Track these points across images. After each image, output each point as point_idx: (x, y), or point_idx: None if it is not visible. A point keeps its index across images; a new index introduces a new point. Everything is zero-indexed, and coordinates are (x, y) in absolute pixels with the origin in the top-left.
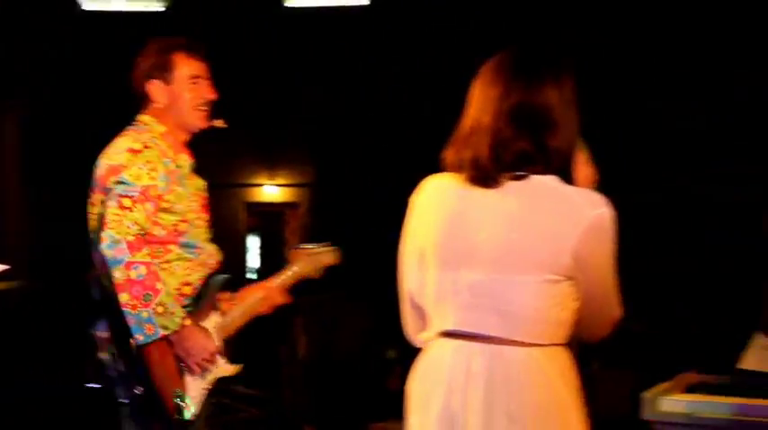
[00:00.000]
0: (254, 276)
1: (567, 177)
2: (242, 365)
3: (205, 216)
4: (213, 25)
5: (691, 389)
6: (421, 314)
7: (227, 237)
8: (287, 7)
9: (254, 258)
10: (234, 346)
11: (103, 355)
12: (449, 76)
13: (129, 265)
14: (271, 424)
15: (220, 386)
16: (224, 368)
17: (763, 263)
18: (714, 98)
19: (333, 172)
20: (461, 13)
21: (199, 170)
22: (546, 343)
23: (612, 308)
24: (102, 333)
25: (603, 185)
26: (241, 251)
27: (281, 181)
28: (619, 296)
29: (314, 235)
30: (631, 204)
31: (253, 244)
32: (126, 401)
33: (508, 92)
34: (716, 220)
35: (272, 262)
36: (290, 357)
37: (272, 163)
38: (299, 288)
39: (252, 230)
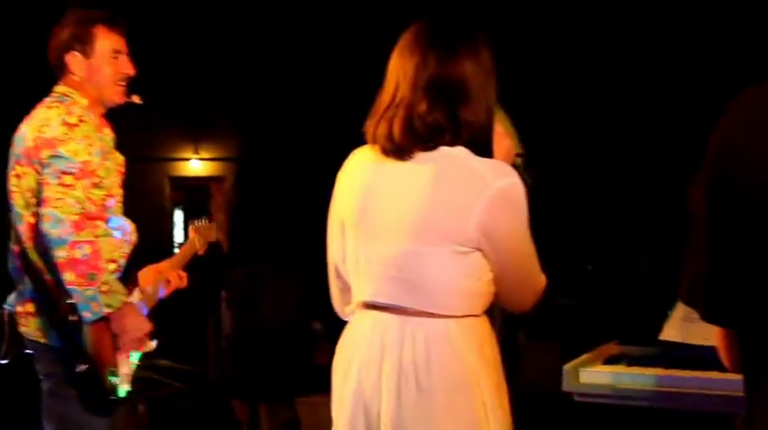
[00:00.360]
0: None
1: (482, 149)
2: (161, 340)
3: (121, 192)
4: None
5: (611, 361)
6: (346, 286)
7: (152, 211)
8: None
9: (179, 233)
10: (159, 321)
11: (25, 330)
12: (375, 49)
13: (73, 245)
14: (197, 398)
15: (146, 361)
16: (147, 344)
17: (683, 234)
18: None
19: (258, 146)
20: None
21: (123, 144)
22: (460, 314)
23: (533, 278)
24: (22, 307)
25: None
26: (168, 226)
27: (206, 155)
28: (538, 266)
29: (240, 209)
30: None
31: (179, 218)
32: (42, 378)
33: (424, 64)
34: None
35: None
36: (216, 331)
37: (197, 137)
38: (225, 261)
39: (177, 205)
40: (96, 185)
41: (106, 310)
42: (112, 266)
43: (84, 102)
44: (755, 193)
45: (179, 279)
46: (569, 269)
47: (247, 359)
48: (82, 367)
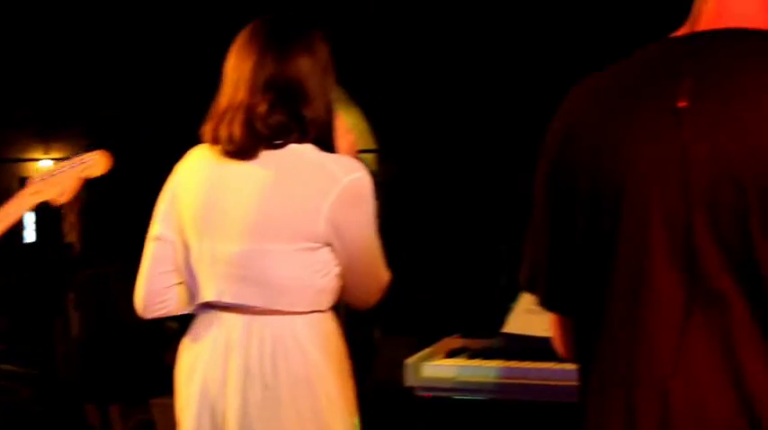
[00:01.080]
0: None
1: (327, 146)
2: (4, 345)
3: None
4: None
5: (453, 354)
6: (177, 286)
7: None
8: None
9: (31, 234)
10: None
11: None
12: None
13: None
14: (48, 403)
15: None
16: None
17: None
18: None
19: (108, 145)
20: None
21: None
22: (306, 310)
23: (378, 273)
24: None
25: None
26: (17, 226)
27: (57, 155)
28: (383, 261)
29: (91, 209)
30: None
31: (30, 220)
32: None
33: (261, 65)
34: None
35: (50, 236)
36: (63, 334)
37: (47, 138)
38: (74, 262)
39: None
40: None
41: None
42: None
43: None
44: (592, 180)
45: None
46: (425, 263)
47: (97, 361)
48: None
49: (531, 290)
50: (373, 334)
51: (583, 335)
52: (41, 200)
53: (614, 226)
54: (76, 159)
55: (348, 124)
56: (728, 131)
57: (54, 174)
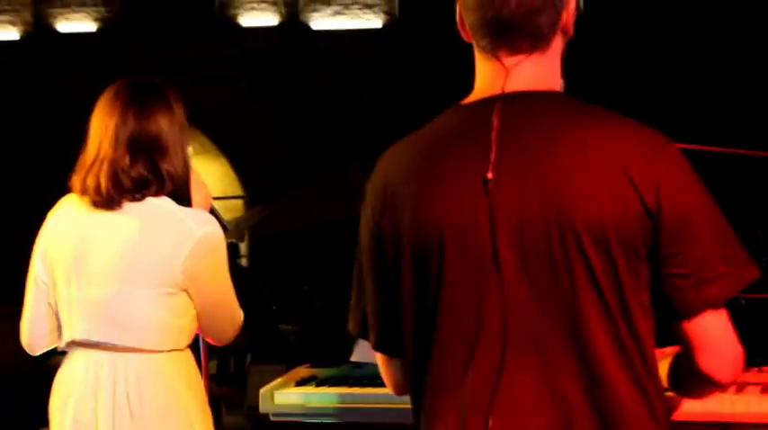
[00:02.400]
0: None
1: (184, 198)
2: None
3: None
4: None
5: (301, 382)
6: (53, 322)
7: None
8: None
9: None
10: None
11: None
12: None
13: None
14: None
15: None
16: None
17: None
18: None
19: None
20: None
21: None
22: (166, 349)
23: (232, 313)
24: None
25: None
26: None
27: None
28: (236, 302)
29: None
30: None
31: None
32: None
33: (124, 121)
34: None
35: None
36: None
37: None
38: None
39: None
40: None
41: None
42: None
43: None
44: (415, 237)
45: None
46: (290, 296)
47: None
48: None
49: (363, 337)
50: (245, 363)
51: (416, 368)
52: None
53: (440, 273)
54: None
55: (201, 178)
56: (534, 188)
57: None
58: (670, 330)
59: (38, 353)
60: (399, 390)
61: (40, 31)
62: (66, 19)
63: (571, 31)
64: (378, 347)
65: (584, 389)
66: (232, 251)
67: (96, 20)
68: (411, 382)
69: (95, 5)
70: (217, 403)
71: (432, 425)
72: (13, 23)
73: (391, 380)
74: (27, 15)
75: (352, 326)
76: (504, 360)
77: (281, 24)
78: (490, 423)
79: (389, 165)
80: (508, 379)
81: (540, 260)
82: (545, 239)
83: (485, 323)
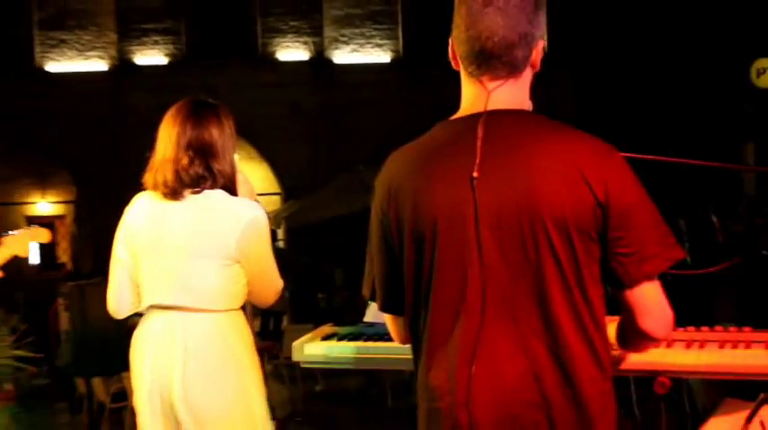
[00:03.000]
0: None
1: (232, 191)
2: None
3: None
4: None
5: (325, 338)
6: (134, 290)
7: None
8: None
9: (35, 257)
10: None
11: None
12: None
13: None
14: (49, 378)
15: (5, 353)
16: None
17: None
18: None
19: (91, 191)
20: None
21: None
22: (224, 309)
23: (274, 282)
24: None
25: None
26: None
27: (52, 199)
28: (277, 273)
29: (77, 237)
30: None
31: (34, 247)
32: None
33: (183, 130)
34: None
35: (49, 259)
36: (54, 328)
37: (44, 186)
38: (66, 277)
39: None
40: None
41: None
42: None
43: None
44: (413, 222)
45: None
46: (317, 271)
47: (82, 346)
48: None
49: (372, 299)
50: (282, 323)
51: (415, 326)
52: (7, 256)
53: (433, 252)
54: (20, 231)
55: (247, 177)
56: (509, 185)
57: (9, 234)
58: (615, 298)
59: (121, 317)
60: (402, 341)
61: (122, 63)
62: (143, 54)
63: (538, 65)
64: (383, 309)
65: (547, 345)
66: (271, 236)
67: (166, 54)
68: (411, 337)
69: (166, 44)
70: (260, 354)
71: (428, 371)
72: (101, 57)
73: (396, 334)
74: (113, 51)
75: (365, 291)
76: (484, 320)
77: (310, 59)
78: (473, 369)
79: (393, 167)
80: (487, 335)
81: (513, 242)
82: (517, 225)
83: (468, 291)
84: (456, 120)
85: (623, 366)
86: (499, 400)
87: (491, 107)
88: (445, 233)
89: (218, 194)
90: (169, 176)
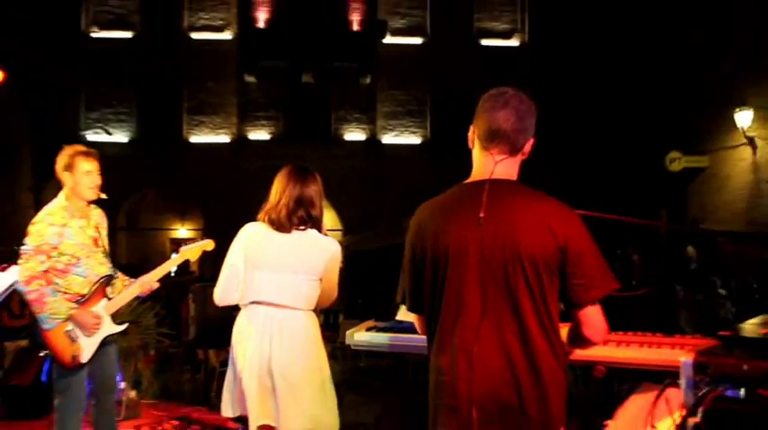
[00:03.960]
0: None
1: (319, 229)
2: (126, 325)
3: (97, 249)
4: None
5: (369, 329)
6: (239, 288)
7: (161, 258)
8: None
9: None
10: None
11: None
12: None
13: (26, 293)
14: (180, 348)
15: (151, 329)
16: (110, 328)
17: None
18: None
19: (214, 222)
20: None
21: (144, 222)
22: (306, 309)
23: (335, 293)
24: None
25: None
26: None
27: (188, 226)
28: (337, 288)
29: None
30: None
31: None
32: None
33: (293, 187)
34: None
35: (183, 268)
36: (186, 314)
37: (183, 217)
38: (194, 279)
39: (173, 252)
40: (61, 253)
41: (57, 322)
42: (72, 293)
43: (64, 203)
44: (432, 251)
45: (149, 288)
46: (366, 286)
47: (203, 327)
48: (44, 352)
49: (403, 303)
50: (339, 319)
51: (431, 323)
52: (183, 259)
53: (445, 272)
54: (197, 243)
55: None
56: (501, 230)
57: (187, 246)
58: (569, 313)
59: (221, 305)
60: (423, 333)
61: (240, 138)
62: (254, 132)
63: (527, 154)
64: (411, 309)
65: (520, 344)
66: None
67: (270, 133)
68: (427, 331)
69: (270, 126)
70: (323, 340)
71: (437, 355)
72: (226, 134)
73: (419, 328)
74: (234, 130)
75: (398, 297)
76: (480, 325)
77: (366, 139)
78: (472, 357)
79: (422, 213)
80: (481, 333)
81: (499, 269)
82: (502, 259)
83: (465, 300)
84: (468, 183)
85: (573, 357)
86: (486, 379)
87: (495, 176)
88: (453, 259)
89: (313, 232)
90: (283, 217)
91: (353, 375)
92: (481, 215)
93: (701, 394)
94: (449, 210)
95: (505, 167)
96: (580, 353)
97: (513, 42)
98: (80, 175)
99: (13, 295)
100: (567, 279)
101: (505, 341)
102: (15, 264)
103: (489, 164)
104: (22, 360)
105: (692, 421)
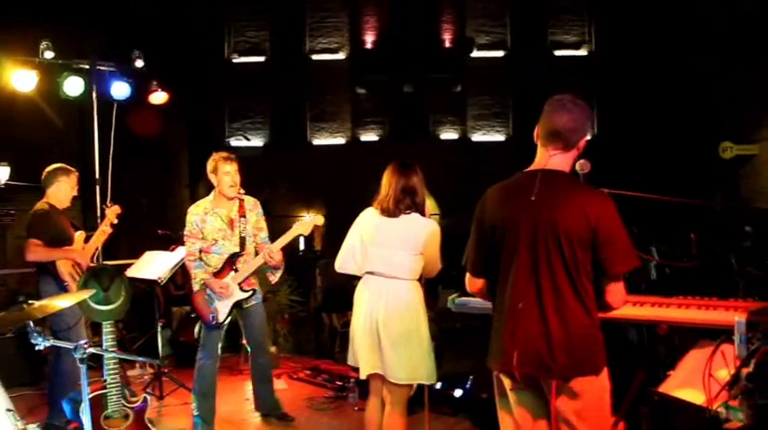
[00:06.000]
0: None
1: (422, 213)
2: (253, 292)
3: (232, 232)
4: None
5: (461, 295)
6: (356, 262)
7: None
8: None
9: (301, 245)
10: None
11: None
12: None
13: (186, 266)
14: (308, 313)
15: (283, 298)
16: (239, 295)
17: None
18: None
19: (333, 209)
20: None
21: (277, 210)
22: (410, 279)
23: (437, 265)
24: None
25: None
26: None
27: (312, 214)
28: (440, 260)
29: (325, 236)
30: None
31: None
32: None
33: (398, 179)
34: None
35: (309, 247)
36: (314, 284)
37: (308, 206)
38: (317, 257)
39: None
40: (204, 237)
41: (197, 288)
42: (209, 269)
43: (211, 197)
44: (492, 225)
45: (274, 258)
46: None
47: (327, 295)
48: (194, 314)
49: (466, 267)
50: (438, 288)
51: (491, 283)
52: (296, 233)
53: (502, 242)
54: (308, 218)
55: (431, 203)
56: (546, 210)
57: (299, 222)
58: (597, 281)
59: (340, 271)
60: (472, 292)
61: (353, 140)
62: (365, 135)
63: (581, 150)
64: (471, 272)
65: (554, 303)
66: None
67: (378, 135)
68: (488, 291)
69: (377, 130)
70: (426, 305)
71: (495, 311)
72: (342, 137)
73: (469, 286)
74: (349, 133)
75: (463, 261)
76: (525, 286)
77: (458, 138)
78: (517, 312)
79: (489, 194)
80: (525, 295)
81: (541, 242)
82: (544, 233)
83: (515, 267)
84: (526, 171)
85: (641, 317)
86: (525, 329)
87: (548, 167)
88: (509, 232)
89: (416, 216)
90: (392, 205)
91: (452, 334)
92: (532, 198)
93: (753, 348)
94: (509, 192)
95: (558, 160)
96: (646, 313)
97: (582, 52)
98: (221, 176)
99: (177, 270)
100: (597, 254)
101: (543, 300)
102: (182, 244)
103: (545, 157)
104: (186, 321)
105: (745, 371)
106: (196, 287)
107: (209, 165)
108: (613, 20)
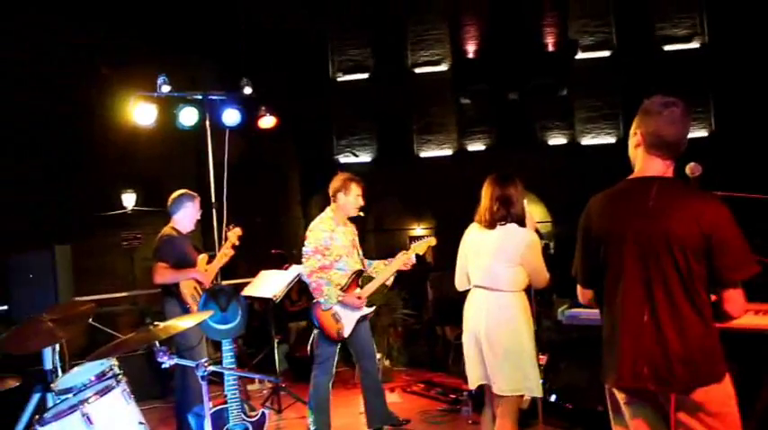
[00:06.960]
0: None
1: (522, 224)
2: (374, 309)
3: (354, 250)
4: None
5: (570, 306)
6: (467, 276)
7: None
8: None
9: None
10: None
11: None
12: None
13: (309, 284)
14: (422, 325)
15: (398, 313)
16: (365, 310)
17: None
18: None
19: (443, 222)
20: None
21: (387, 223)
22: (514, 290)
23: (544, 275)
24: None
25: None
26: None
27: (423, 226)
28: (546, 271)
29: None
30: None
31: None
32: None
33: (494, 190)
34: None
35: (421, 260)
36: (426, 298)
37: (419, 219)
38: (431, 267)
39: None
40: (329, 253)
41: (329, 305)
42: (333, 284)
43: (331, 214)
44: (594, 236)
45: (402, 268)
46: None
47: (440, 308)
48: (316, 330)
49: (575, 278)
50: (552, 299)
51: (600, 292)
52: (413, 253)
53: (611, 251)
54: (423, 240)
55: (531, 214)
56: (660, 219)
57: (416, 242)
58: (714, 290)
59: (460, 290)
60: (584, 302)
61: (460, 150)
62: (470, 145)
63: (680, 155)
64: (581, 284)
65: (670, 314)
66: (545, 247)
67: (485, 143)
68: (597, 299)
69: (483, 140)
70: (537, 315)
71: (605, 323)
72: (449, 147)
73: (581, 297)
74: (455, 143)
75: (573, 272)
76: (637, 297)
77: (567, 143)
78: (631, 324)
79: (593, 203)
80: (637, 306)
81: (653, 251)
82: (656, 242)
83: (625, 277)
84: (636, 178)
85: (760, 326)
86: (639, 341)
87: (664, 174)
88: (618, 242)
89: (513, 226)
90: (488, 217)
91: (568, 346)
92: (650, 204)
93: None
94: (617, 200)
95: (669, 168)
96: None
97: (694, 45)
98: (352, 197)
99: (292, 286)
100: (713, 261)
101: (658, 312)
102: (296, 263)
103: (656, 165)
104: (302, 337)
105: None
106: (328, 305)
107: (337, 183)
108: (728, 7)
